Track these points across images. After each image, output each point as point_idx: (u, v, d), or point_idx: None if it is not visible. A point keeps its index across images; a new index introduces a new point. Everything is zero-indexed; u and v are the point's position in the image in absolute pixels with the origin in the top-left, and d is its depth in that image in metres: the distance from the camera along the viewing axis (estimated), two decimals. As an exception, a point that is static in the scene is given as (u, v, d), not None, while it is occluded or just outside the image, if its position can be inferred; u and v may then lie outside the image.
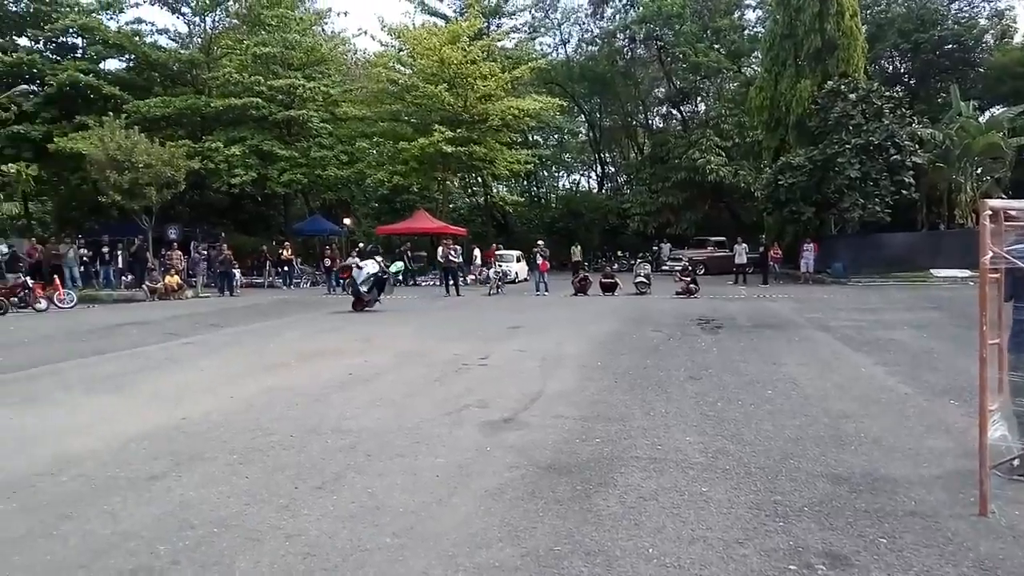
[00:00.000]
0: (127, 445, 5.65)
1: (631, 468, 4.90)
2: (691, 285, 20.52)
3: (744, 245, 27.33)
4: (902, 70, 39.18)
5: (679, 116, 47.32)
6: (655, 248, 38.36)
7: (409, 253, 30.39)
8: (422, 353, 10.28)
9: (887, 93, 27.16)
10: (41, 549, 3.71)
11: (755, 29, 42.88)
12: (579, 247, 31.98)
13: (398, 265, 26.95)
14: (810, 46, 29.11)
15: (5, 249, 25.72)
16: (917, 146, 26.50)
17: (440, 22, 38.00)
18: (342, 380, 8.29)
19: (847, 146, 25.60)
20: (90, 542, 3.79)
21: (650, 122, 50.08)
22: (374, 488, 4.58)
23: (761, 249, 27.94)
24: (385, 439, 5.70)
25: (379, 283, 17.35)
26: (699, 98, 47.39)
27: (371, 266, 17.29)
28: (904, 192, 25.75)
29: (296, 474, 4.89)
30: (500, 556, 3.57)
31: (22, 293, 19.18)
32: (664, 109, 49.28)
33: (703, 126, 42.87)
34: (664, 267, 33.50)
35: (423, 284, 29.13)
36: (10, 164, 22.83)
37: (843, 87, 26.82)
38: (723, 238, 34.50)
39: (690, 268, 22.27)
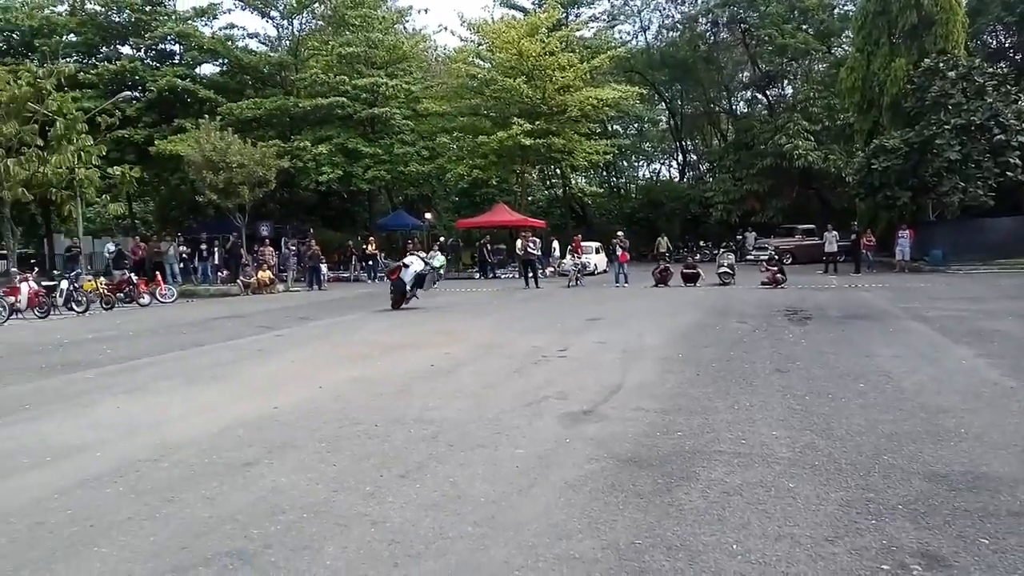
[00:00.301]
0: (223, 433, 5.93)
1: (714, 462, 4.80)
2: (778, 275, 19.90)
3: (835, 232, 26.26)
4: (1007, 44, 36.64)
5: (765, 100, 45.85)
6: (739, 237, 37.37)
7: (488, 246, 30.66)
8: (501, 345, 10.37)
9: (990, 70, 25.55)
10: (145, 531, 3.95)
11: (845, 7, 41.07)
12: (666, 238, 31.50)
13: (440, 259, 27.05)
14: (905, 22, 27.66)
15: (112, 247, 27.46)
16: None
17: (519, 15, 38.11)
18: (424, 371, 8.45)
19: (946, 127, 24.22)
20: (190, 525, 4.01)
21: (734, 108, 48.77)
22: (456, 477, 4.66)
23: (853, 236, 26.77)
24: (466, 429, 5.79)
25: (419, 279, 16.83)
26: (786, 81, 45.78)
27: (416, 263, 16.89)
28: (1009, 174, 24.18)
29: (381, 462, 5.02)
30: (580, 548, 3.57)
31: (127, 289, 20.42)
32: (748, 94, 47.88)
33: (790, 110, 41.39)
34: (749, 256, 32.58)
35: (502, 277, 29.34)
36: (115, 167, 24.26)
37: (941, 64, 25.37)
38: (812, 226, 33.28)
39: (776, 257, 21.59)
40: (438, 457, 5.11)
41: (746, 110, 48.32)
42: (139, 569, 3.46)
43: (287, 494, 4.45)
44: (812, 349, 9.20)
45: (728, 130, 48.39)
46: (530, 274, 23.33)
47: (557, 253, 30.99)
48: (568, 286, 22.98)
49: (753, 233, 37.03)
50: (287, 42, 36.55)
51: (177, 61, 34.61)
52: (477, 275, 30.44)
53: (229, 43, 34.22)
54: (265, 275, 24.32)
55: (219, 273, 27.11)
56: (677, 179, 51.83)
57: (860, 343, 9.54)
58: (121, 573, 3.42)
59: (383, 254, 31.79)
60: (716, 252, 28.27)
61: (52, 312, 17.62)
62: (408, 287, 16.56)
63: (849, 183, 29.96)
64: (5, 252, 23.48)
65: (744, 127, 43.76)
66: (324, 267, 26.42)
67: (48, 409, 7.08)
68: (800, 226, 34.11)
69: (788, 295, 17.10)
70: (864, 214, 30.93)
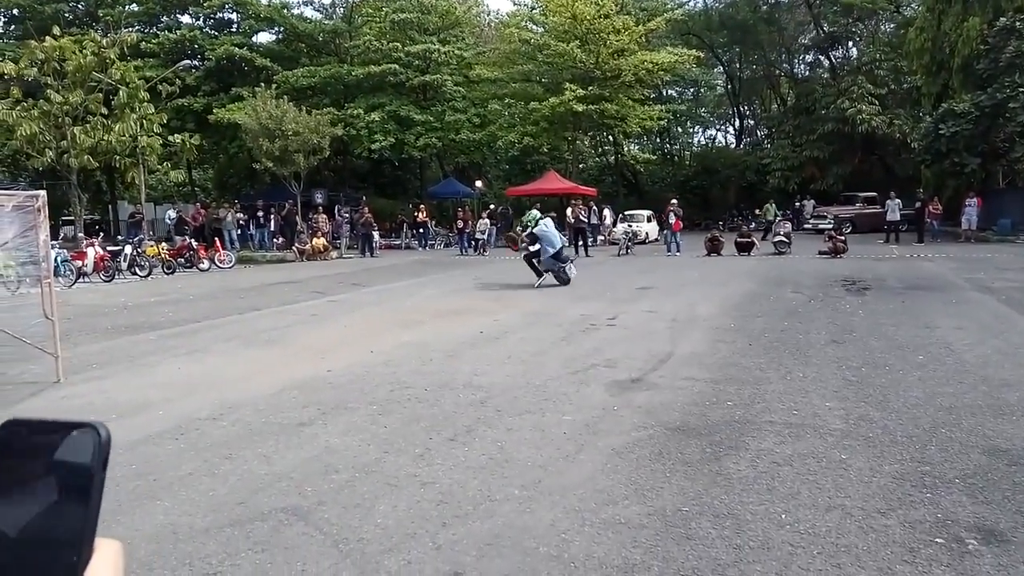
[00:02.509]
0: (279, 394, 6.11)
1: (764, 432, 4.75)
2: (837, 244, 19.33)
3: (897, 200, 25.26)
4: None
5: (827, 63, 44.08)
6: (797, 205, 36.34)
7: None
8: (550, 313, 10.37)
9: (1072, 28, 24.03)
10: (205, 486, 4.11)
11: (916, -36, 39.02)
12: (774, 204, 30.50)
13: (483, 223, 26.81)
14: (980, -22, 26.18)
15: (173, 214, 28.23)
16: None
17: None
18: (473, 338, 8.53)
19: (1021, 90, 22.97)
20: (247, 481, 4.16)
21: (795, 71, 47.06)
22: (503, 442, 4.71)
23: (917, 204, 25.75)
24: (514, 395, 5.84)
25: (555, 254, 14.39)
26: (850, 43, 43.87)
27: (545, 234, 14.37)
28: (1087, 140, 22.89)
29: (430, 426, 5.11)
30: (626, 513, 3.59)
31: (188, 254, 21.04)
32: (811, 56, 46.04)
33: (854, 73, 39.72)
34: (807, 225, 31.69)
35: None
36: (176, 135, 24.85)
37: (1019, 24, 23.96)
38: (874, 193, 32.13)
39: (832, 226, 20.95)
40: (486, 422, 5.17)
41: (807, 73, 46.53)
42: (199, 522, 3.61)
43: (340, 454, 4.58)
44: (870, 320, 8.96)
45: (788, 94, 46.79)
46: (580, 242, 23.18)
47: (608, 221, 30.65)
48: (619, 255, 22.77)
49: (812, 201, 35.94)
50: (341, 9, 36.65)
51: (234, 30, 35.09)
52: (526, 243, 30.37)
53: (284, 11, 34.49)
54: (319, 242, 24.74)
55: (275, 240, 27.67)
56: (733, 145, 50.51)
57: (921, 314, 9.24)
58: (182, 526, 3.58)
59: (434, 222, 31.96)
60: (772, 220, 27.51)
61: (116, 276, 18.29)
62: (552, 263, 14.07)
63: (914, 149, 28.76)
64: (73, 218, 24.36)
65: (805, 91, 42.24)
66: (376, 234, 26.72)
67: (114, 369, 7.40)
68: (861, 194, 32.97)
69: (847, 265, 16.63)
70: (930, 181, 29.71)
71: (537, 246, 14.16)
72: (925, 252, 19.83)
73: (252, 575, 3.08)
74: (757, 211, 37.65)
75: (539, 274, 14.25)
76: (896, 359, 6.73)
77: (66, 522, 0.38)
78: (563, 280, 14.09)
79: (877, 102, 36.20)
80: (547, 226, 14.30)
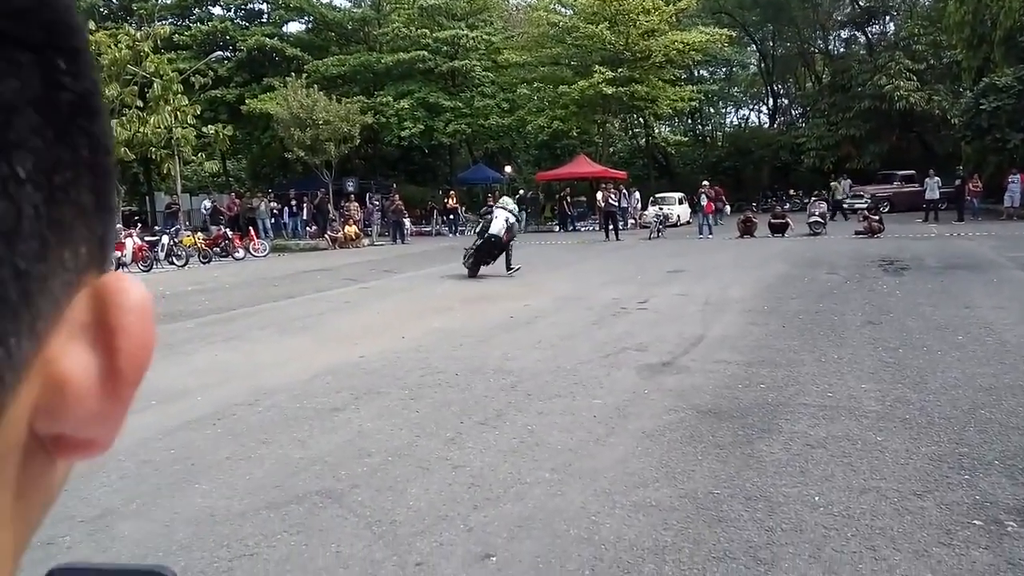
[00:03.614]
0: (313, 379, 6.20)
1: (798, 415, 4.70)
2: (873, 224, 18.95)
3: (937, 179, 24.59)
4: None
5: (864, 39, 43.01)
6: (832, 185, 35.66)
7: (568, 199, 30.36)
8: (581, 297, 10.35)
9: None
10: (242, 470, 4.20)
11: (956, -67, 37.78)
12: (839, 181, 29.93)
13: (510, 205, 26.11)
14: (1024, -54, 25.25)
15: (208, 204, 28.68)
16: None
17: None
18: (504, 323, 8.55)
19: (1067, 62, 22.22)
20: (283, 465, 4.23)
21: (830, 48, 46.00)
22: (534, 426, 4.73)
23: (957, 182, 25.06)
24: (544, 379, 5.85)
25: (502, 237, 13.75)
26: (887, 17, 42.73)
27: (501, 215, 13.48)
28: None
29: (461, 410, 5.15)
30: (657, 496, 3.59)
31: (223, 243, 21.37)
32: (846, 32, 44.93)
33: (892, 48, 38.69)
34: (844, 205, 31.10)
35: (582, 229, 29.07)
36: (210, 126, 25.19)
37: (1065, -8, 23.15)
38: (912, 171, 31.36)
39: (866, 207, 20.51)
40: (517, 406, 5.19)
41: (843, 50, 45.43)
42: (236, 505, 3.69)
43: (373, 438, 4.64)
44: (907, 301, 8.78)
45: (823, 72, 45.77)
46: (611, 226, 23.05)
47: (638, 204, 30.38)
48: (649, 238, 22.60)
49: (848, 180, 35.23)
50: (370, -3, 36.80)
51: (265, 20, 35.42)
52: (557, 228, 30.27)
53: (314, 0, 34.69)
54: (351, 230, 24.93)
55: (308, 228, 27.97)
56: (767, 125, 49.64)
57: (960, 294, 9.03)
58: (220, 508, 3.66)
59: (464, 208, 32.02)
60: (807, 201, 27.01)
61: (154, 266, 18.67)
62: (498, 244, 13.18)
63: (954, 125, 28.01)
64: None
65: (840, 68, 41.27)
66: (407, 221, 26.85)
67: (153, 357, 7.55)
68: (899, 172, 32.21)
69: (883, 245, 16.30)
70: (970, 158, 28.88)
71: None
72: (965, 231, 19.35)
73: (287, 556, 3.14)
74: (792, 191, 37.04)
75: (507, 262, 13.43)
76: (934, 340, 6.59)
77: None
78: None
79: (915, 78, 35.24)
80: (500, 210, 13.43)
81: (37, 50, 0.23)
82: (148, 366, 0.27)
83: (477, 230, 13.60)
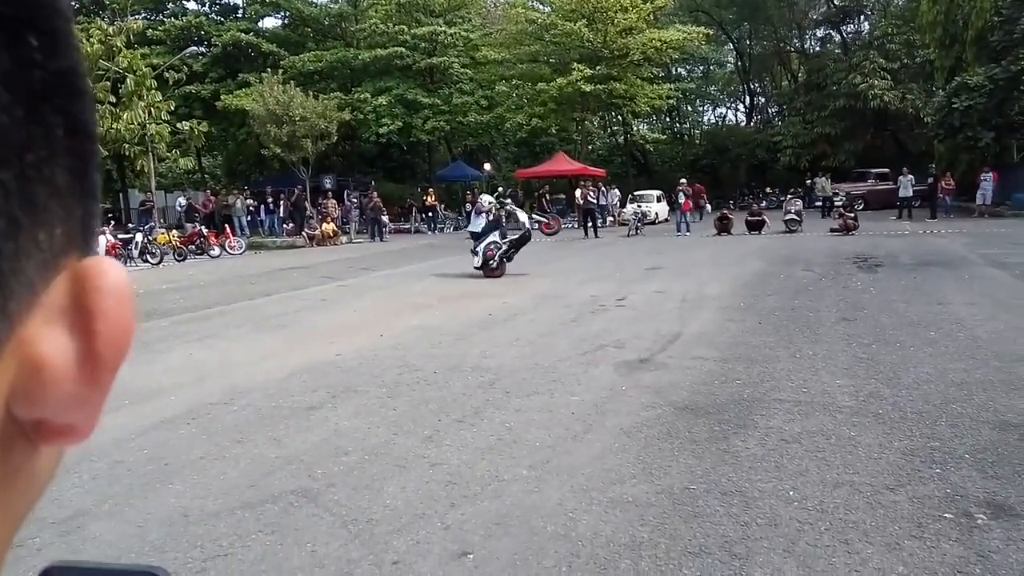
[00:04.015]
0: (289, 378, 6.15)
1: (773, 410, 4.74)
2: (848, 221, 19.17)
3: (910, 176, 24.94)
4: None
5: (839, 38, 43.47)
6: (808, 183, 36.00)
7: (547, 196, 30.38)
8: (559, 295, 10.37)
9: (1089, -2, 23.56)
10: (216, 469, 4.15)
11: (929, -67, 38.27)
12: (827, 179, 29.92)
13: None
14: (995, -52, 25.65)
15: (183, 201, 28.34)
16: None
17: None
18: (482, 320, 8.54)
19: (1036, 61, 22.59)
20: (258, 464, 4.19)
21: (806, 46, 46.44)
22: (511, 423, 4.73)
23: (930, 180, 25.44)
24: (522, 377, 5.85)
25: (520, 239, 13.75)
26: (862, 16, 43.22)
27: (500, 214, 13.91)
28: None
29: (439, 408, 5.13)
30: (634, 492, 3.60)
31: (198, 241, 21.14)
32: (822, 31, 45.38)
33: (866, 47, 39.16)
34: (818, 203, 31.41)
35: (565, 226, 29.09)
36: (184, 122, 24.87)
37: (1035, -7, 23.54)
38: (886, 169, 31.77)
39: (839, 204, 20.73)
40: (494, 403, 5.19)
41: (818, 49, 45.89)
42: (211, 505, 3.65)
43: (349, 436, 4.61)
44: (881, 297, 8.90)
45: (799, 70, 46.21)
46: (589, 224, 23.11)
47: (616, 202, 30.47)
48: (628, 235, 22.69)
49: (825, 177, 35.59)
50: (347, -8, 36.49)
51: (240, 15, 34.98)
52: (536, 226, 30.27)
53: (290, -5, 34.38)
54: (329, 227, 24.76)
55: (285, 225, 27.73)
56: (744, 123, 50.03)
57: (932, 291, 9.17)
58: (194, 509, 3.61)
59: (443, 205, 31.91)
60: (783, 199, 27.27)
61: (128, 264, 18.38)
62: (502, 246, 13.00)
63: (927, 124, 28.39)
64: (84, 207, 24.46)
65: (816, 67, 41.70)
66: (385, 219, 26.71)
67: (127, 355, 7.45)
68: (873, 170, 32.61)
69: (858, 242, 16.49)
70: (943, 156, 29.33)
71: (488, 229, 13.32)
72: (938, 228, 19.65)
73: (262, 556, 3.11)
74: (768, 189, 37.34)
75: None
76: (907, 336, 6.69)
77: None
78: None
79: (889, 77, 35.73)
80: (480, 207, 13.71)
81: (6, 27, 0.22)
82: (127, 350, 0.26)
83: (480, 228, 13.39)
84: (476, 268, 12.99)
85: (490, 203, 13.89)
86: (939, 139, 28.32)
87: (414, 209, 30.67)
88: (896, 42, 38.43)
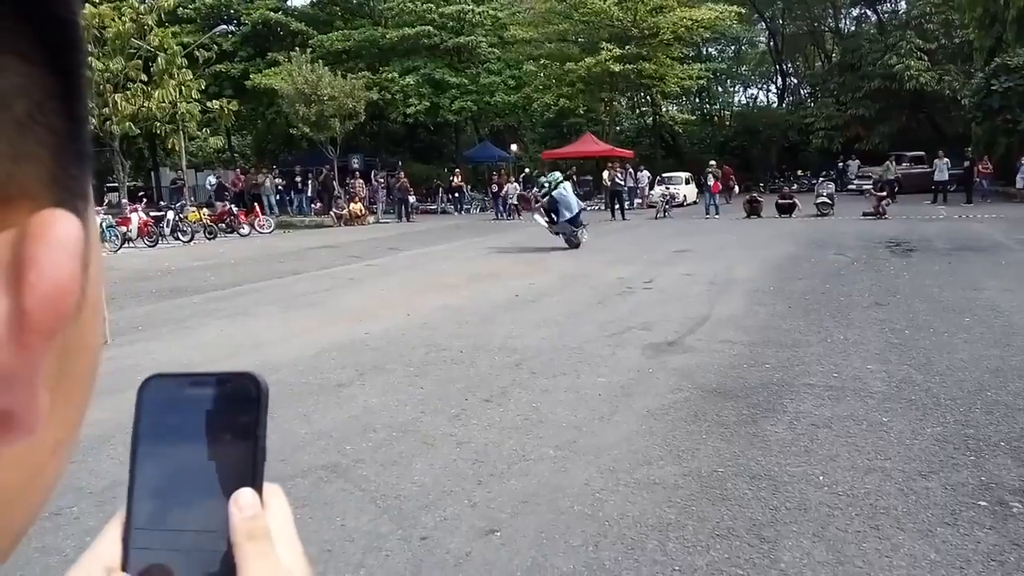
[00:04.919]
0: (319, 355, 6.21)
1: (803, 395, 4.69)
2: (883, 204, 18.82)
3: (946, 160, 24.39)
4: None
5: (874, 17, 42.48)
6: (840, 165, 35.34)
7: (574, 178, 30.19)
8: (586, 276, 10.33)
9: None
10: (249, 442, 4.21)
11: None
12: (893, 161, 28.71)
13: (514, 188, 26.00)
14: (1041, -77, 24.81)
15: (213, 180, 28.64)
16: None
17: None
18: (509, 301, 8.54)
19: (1082, 41, 21.90)
20: (288, 439, 4.25)
21: (840, 26, 45.48)
22: (538, 403, 4.74)
23: (966, 164, 24.84)
24: (549, 357, 5.85)
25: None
26: (899, -5, 42.22)
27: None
28: None
29: (466, 387, 5.16)
30: (661, 473, 3.59)
31: (228, 219, 21.35)
32: (857, 10, 44.39)
33: (903, 27, 38.19)
34: (851, 186, 30.85)
35: (588, 208, 28.91)
36: (214, 101, 25.05)
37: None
38: (921, 153, 31.09)
39: (874, 187, 20.34)
40: (521, 383, 5.20)
41: (853, 28, 44.93)
42: (242, 477, 3.70)
43: (377, 414, 4.65)
44: (915, 282, 8.74)
45: (833, 51, 45.28)
46: (616, 205, 22.95)
47: (646, 184, 30.19)
48: (656, 218, 22.51)
49: (856, 161, 34.92)
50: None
51: (269, -7, 35.10)
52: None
53: (319, -29, 34.44)
54: (356, 207, 24.87)
55: (313, 205, 27.92)
56: (775, 104, 49.21)
57: (968, 276, 8.99)
58: (226, 480, 3.67)
59: (469, 186, 31.89)
60: (815, 181, 26.82)
61: (160, 241, 18.68)
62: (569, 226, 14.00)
63: (965, 106, 27.72)
64: (116, 184, 24.85)
65: (850, 47, 40.79)
66: (412, 199, 26.77)
67: (158, 331, 7.59)
68: (908, 153, 31.94)
69: (891, 226, 16.20)
70: (980, 139, 28.60)
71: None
72: (974, 213, 19.22)
73: (293, 529, 3.15)
74: (800, 172, 36.76)
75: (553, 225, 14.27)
76: (941, 321, 6.57)
77: (232, 479, 0.34)
78: (574, 244, 14.05)
79: (926, 57, 34.83)
80: (566, 190, 14.20)
81: None
82: (65, 315, 0.21)
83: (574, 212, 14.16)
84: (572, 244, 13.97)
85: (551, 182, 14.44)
86: (977, 121, 27.64)
87: (441, 190, 30.69)
88: (934, 22, 37.41)
